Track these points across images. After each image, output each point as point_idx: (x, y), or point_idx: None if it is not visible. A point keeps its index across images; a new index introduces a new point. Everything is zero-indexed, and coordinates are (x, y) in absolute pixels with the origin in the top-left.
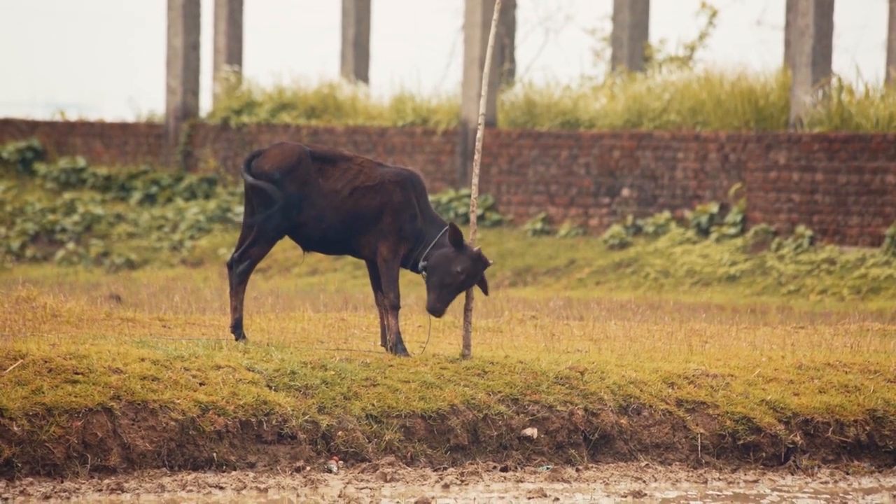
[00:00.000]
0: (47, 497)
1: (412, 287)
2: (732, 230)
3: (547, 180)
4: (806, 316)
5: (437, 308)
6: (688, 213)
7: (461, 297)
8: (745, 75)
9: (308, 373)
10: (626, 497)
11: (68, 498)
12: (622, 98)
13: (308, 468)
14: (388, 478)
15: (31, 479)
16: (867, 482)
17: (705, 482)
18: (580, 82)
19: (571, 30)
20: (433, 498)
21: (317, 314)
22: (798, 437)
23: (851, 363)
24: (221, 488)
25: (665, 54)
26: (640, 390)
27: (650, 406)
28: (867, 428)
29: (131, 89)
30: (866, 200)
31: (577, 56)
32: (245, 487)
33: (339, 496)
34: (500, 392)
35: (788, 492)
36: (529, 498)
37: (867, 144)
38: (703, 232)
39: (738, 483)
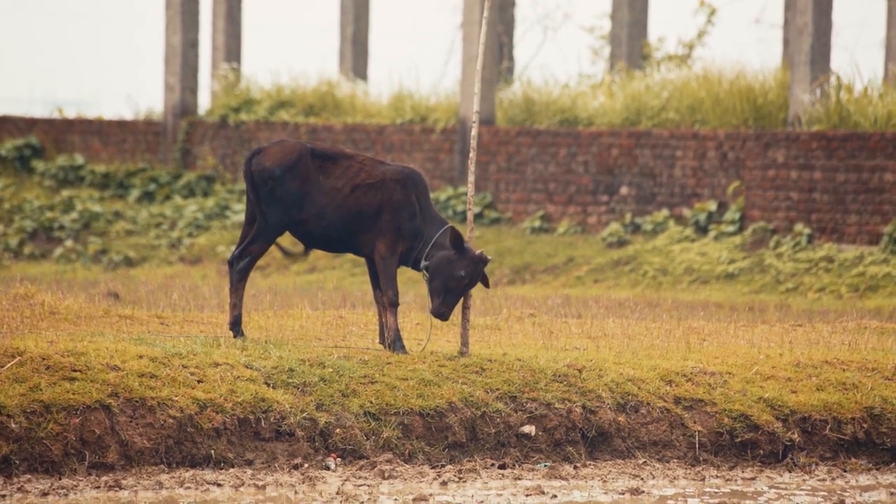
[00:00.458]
0: (45, 494)
1: (411, 284)
2: (731, 228)
3: (545, 178)
4: (804, 314)
5: (443, 312)
6: (686, 212)
7: None
8: (744, 73)
9: (306, 370)
10: (623, 494)
11: (66, 495)
12: (621, 96)
13: (306, 465)
14: (386, 475)
15: (28, 477)
16: (865, 480)
17: (703, 479)
18: (579, 80)
19: (570, 28)
20: (431, 495)
21: (315, 312)
22: (796, 435)
23: (849, 361)
24: (219, 485)
25: (664, 52)
26: (638, 388)
27: (648, 404)
28: (865, 426)
29: (130, 87)
30: (864, 199)
31: (576, 54)
32: (243, 484)
33: (337, 493)
34: (498, 390)
35: (786, 489)
36: (527, 495)
37: (865, 143)
38: (702, 230)
39: (736, 480)
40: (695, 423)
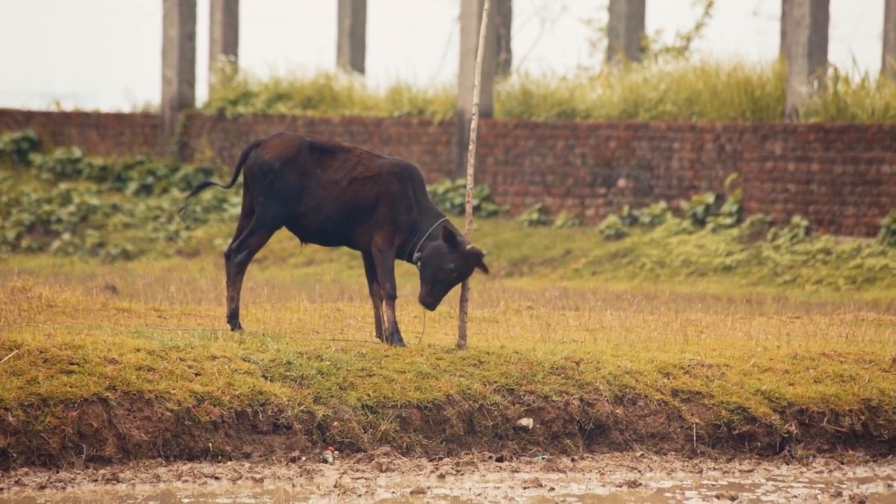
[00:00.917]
0: (42, 487)
1: (408, 277)
2: (728, 220)
3: (543, 171)
4: (801, 306)
5: (429, 302)
6: (684, 204)
7: (457, 287)
8: (742, 66)
9: (304, 363)
10: (621, 487)
11: (63, 488)
12: (618, 88)
13: (304, 458)
14: (384, 468)
15: (26, 470)
16: (862, 472)
17: (700, 472)
18: (576, 73)
19: (567, 20)
20: (429, 488)
21: (313, 304)
22: (793, 427)
23: (847, 353)
24: (217, 478)
25: (661, 45)
26: (636, 380)
27: (646, 396)
28: (862, 417)
29: (127, 79)
30: (862, 191)
31: (574, 46)
32: (241, 478)
33: (335, 486)
34: (495, 382)
35: (783, 481)
36: (525, 488)
37: (863, 135)
38: (699, 222)
39: (733, 473)
40: (692, 415)
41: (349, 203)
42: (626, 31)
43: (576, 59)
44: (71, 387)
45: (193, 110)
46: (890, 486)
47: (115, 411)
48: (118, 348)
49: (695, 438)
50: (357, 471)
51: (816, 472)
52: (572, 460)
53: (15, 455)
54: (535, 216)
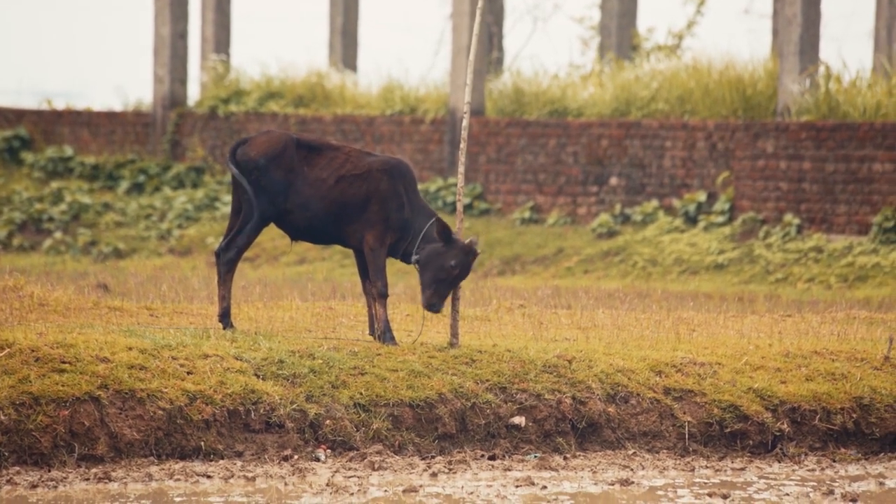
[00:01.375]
0: (34, 486)
1: (400, 276)
2: (720, 219)
3: (535, 169)
4: (793, 304)
5: (433, 304)
6: (676, 202)
7: None
8: (733, 64)
9: (296, 361)
10: (613, 485)
11: (55, 487)
12: (610, 87)
13: (296, 457)
14: (376, 466)
15: (17, 469)
16: (853, 469)
17: (692, 470)
18: (568, 71)
19: (559, 18)
20: (421, 486)
21: (305, 303)
22: (785, 425)
23: (838, 351)
24: (209, 477)
25: (653, 43)
26: (628, 379)
27: (638, 394)
28: (854, 415)
29: (119, 78)
30: (853, 189)
31: (566, 45)
32: (233, 476)
33: (327, 485)
34: (487, 381)
35: (775, 479)
36: (517, 486)
37: (854, 133)
38: (691, 220)
39: (726, 471)
40: (684, 413)
41: (336, 201)
42: (618, 30)
43: (568, 58)
44: (63, 385)
45: (185, 109)
46: (881, 483)
47: (107, 410)
48: (110, 347)
49: (687, 436)
50: (349, 469)
51: (808, 470)
52: (564, 459)
53: (6, 454)
54: (527, 214)
